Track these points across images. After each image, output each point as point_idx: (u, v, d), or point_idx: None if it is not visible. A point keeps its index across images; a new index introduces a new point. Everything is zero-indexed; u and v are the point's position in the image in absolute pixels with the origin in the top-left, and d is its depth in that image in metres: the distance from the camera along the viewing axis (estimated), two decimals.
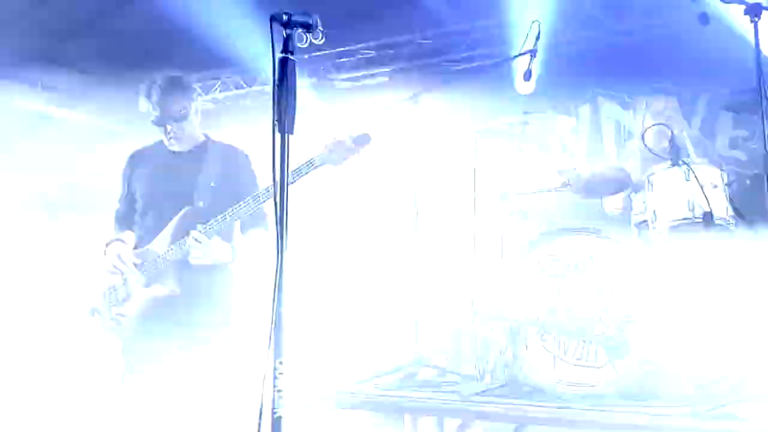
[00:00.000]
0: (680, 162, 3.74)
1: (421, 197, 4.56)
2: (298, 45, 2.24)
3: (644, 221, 3.81)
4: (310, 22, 2.26)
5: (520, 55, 4.33)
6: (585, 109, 6.13)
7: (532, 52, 4.28)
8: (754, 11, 3.29)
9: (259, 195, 3.24)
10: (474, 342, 4.06)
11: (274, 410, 2.05)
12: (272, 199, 2.14)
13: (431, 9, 6.21)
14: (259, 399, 2.09)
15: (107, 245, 3.48)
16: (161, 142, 3.51)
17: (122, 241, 3.48)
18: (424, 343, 4.29)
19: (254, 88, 7.30)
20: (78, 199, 6.31)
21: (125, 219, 3.61)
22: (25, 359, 6.09)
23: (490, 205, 4.38)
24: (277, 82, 2.18)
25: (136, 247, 3.46)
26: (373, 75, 6.92)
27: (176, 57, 6.39)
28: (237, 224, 3.45)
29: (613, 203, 4.79)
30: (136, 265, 3.38)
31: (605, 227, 3.62)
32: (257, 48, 5.96)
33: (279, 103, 2.16)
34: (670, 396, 3.23)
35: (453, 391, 3.52)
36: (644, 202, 3.82)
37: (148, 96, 3.34)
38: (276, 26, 2.20)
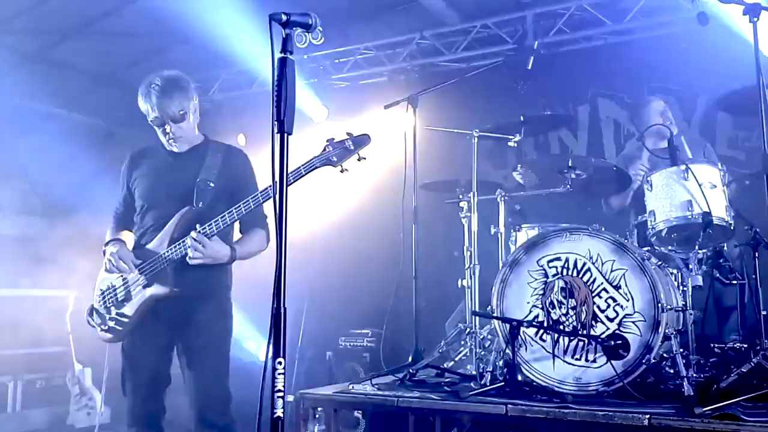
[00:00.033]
0: (679, 162, 3.75)
1: (419, 196, 4.57)
2: (298, 45, 2.25)
3: (644, 221, 3.81)
4: (309, 22, 2.26)
5: (520, 55, 4.34)
6: (584, 109, 6.13)
7: (532, 52, 4.28)
8: (752, 11, 3.30)
9: (259, 195, 3.24)
10: (474, 342, 4.06)
11: (274, 410, 2.05)
12: (272, 199, 2.15)
13: (431, 9, 6.22)
14: (259, 399, 2.09)
15: (106, 245, 3.48)
16: (160, 142, 3.51)
17: (122, 241, 3.48)
18: (422, 343, 4.30)
19: (253, 88, 7.30)
20: (78, 199, 6.31)
21: (124, 219, 3.61)
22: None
23: (489, 205, 4.39)
24: (276, 82, 2.18)
25: (135, 247, 3.47)
26: (372, 75, 6.93)
27: (176, 57, 6.41)
28: (236, 224, 3.45)
29: (613, 203, 4.80)
30: (135, 265, 3.38)
31: (605, 227, 3.62)
32: (256, 48, 5.97)
33: (278, 103, 2.17)
34: (670, 396, 3.24)
35: (452, 391, 3.53)
36: (644, 202, 3.82)
37: (147, 97, 3.34)
38: (275, 26, 2.20)
